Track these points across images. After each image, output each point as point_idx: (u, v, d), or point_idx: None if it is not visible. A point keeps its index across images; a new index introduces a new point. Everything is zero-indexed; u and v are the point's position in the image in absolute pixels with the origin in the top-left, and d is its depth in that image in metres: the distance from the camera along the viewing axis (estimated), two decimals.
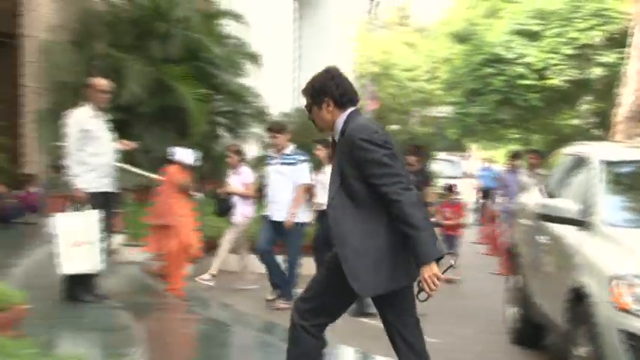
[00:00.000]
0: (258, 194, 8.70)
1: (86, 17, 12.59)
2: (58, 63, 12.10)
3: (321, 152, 7.85)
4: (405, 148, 8.65)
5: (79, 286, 6.32)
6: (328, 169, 5.27)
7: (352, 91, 3.68)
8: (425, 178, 9.20)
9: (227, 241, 8.74)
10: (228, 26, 13.95)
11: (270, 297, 7.61)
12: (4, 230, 10.55)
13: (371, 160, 3.41)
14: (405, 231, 3.35)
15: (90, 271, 6.27)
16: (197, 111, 12.02)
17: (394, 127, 28.32)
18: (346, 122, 3.59)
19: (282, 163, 7.58)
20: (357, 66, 27.23)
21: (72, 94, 11.53)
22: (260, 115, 13.67)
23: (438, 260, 3.38)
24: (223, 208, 8.66)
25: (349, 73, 24.05)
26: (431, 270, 3.33)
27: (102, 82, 6.54)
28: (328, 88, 3.62)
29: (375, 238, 3.44)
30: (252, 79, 13.89)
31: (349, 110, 3.62)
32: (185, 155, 7.72)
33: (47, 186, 11.41)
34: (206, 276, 8.48)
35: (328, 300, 3.62)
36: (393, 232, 3.42)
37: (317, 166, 8.21)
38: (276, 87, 16.62)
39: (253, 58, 13.71)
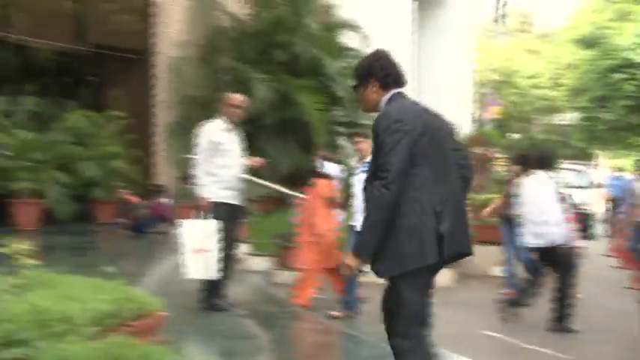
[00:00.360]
0: (346, 201, 8.59)
1: (213, 33, 13.07)
2: (186, 78, 12.62)
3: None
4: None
5: (212, 294, 6.50)
6: None
7: (397, 74, 3.75)
8: None
9: None
10: (347, 37, 14.07)
11: (335, 313, 7.42)
12: (137, 240, 11.04)
13: (379, 148, 3.51)
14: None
15: (206, 278, 6.40)
16: (318, 121, 12.18)
17: (516, 135, 27.64)
18: (387, 104, 3.68)
19: (365, 172, 7.26)
20: (477, 73, 26.76)
21: (200, 108, 12.00)
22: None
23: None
24: None
25: (470, 80, 23.71)
26: (352, 260, 3.53)
27: (236, 97, 6.65)
28: (374, 69, 3.74)
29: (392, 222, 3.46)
30: None
31: (392, 92, 3.71)
32: (333, 169, 7.82)
33: (176, 196, 11.88)
34: None
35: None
36: (407, 217, 3.44)
37: None
38: None
39: None
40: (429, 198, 3.46)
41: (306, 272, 7.70)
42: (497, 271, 9.97)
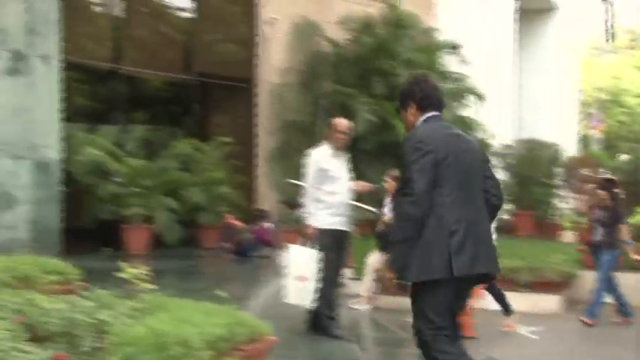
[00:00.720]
0: None
1: (313, 59, 13.26)
2: (287, 104, 12.84)
3: None
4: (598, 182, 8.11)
5: (329, 321, 6.49)
6: None
7: (435, 97, 3.93)
8: (616, 214, 8.77)
9: (371, 266, 8.73)
10: (449, 58, 13.98)
11: None
12: (241, 264, 11.22)
13: (405, 167, 3.66)
14: None
15: (301, 305, 6.41)
16: None
17: (624, 156, 26.57)
18: (420, 125, 3.85)
19: None
20: (582, 93, 25.97)
21: (300, 133, 12.16)
22: (482, 146, 13.46)
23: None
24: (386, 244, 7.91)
25: (575, 98, 23.00)
26: (389, 273, 3.86)
27: (342, 123, 6.60)
28: (412, 92, 3.93)
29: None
30: (472, 110, 13.79)
31: (429, 114, 3.86)
32: None
33: (278, 221, 12.02)
34: (360, 301, 8.75)
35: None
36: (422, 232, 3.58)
37: None
38: (497, 117, 16.31)
39: (475, 93, 13.59)
40: (446, 218, 3.60)
41: None
42: (607, 296, 9.58)
